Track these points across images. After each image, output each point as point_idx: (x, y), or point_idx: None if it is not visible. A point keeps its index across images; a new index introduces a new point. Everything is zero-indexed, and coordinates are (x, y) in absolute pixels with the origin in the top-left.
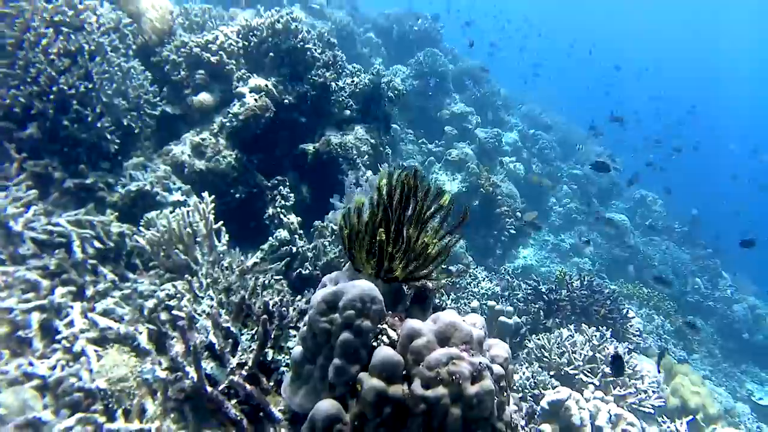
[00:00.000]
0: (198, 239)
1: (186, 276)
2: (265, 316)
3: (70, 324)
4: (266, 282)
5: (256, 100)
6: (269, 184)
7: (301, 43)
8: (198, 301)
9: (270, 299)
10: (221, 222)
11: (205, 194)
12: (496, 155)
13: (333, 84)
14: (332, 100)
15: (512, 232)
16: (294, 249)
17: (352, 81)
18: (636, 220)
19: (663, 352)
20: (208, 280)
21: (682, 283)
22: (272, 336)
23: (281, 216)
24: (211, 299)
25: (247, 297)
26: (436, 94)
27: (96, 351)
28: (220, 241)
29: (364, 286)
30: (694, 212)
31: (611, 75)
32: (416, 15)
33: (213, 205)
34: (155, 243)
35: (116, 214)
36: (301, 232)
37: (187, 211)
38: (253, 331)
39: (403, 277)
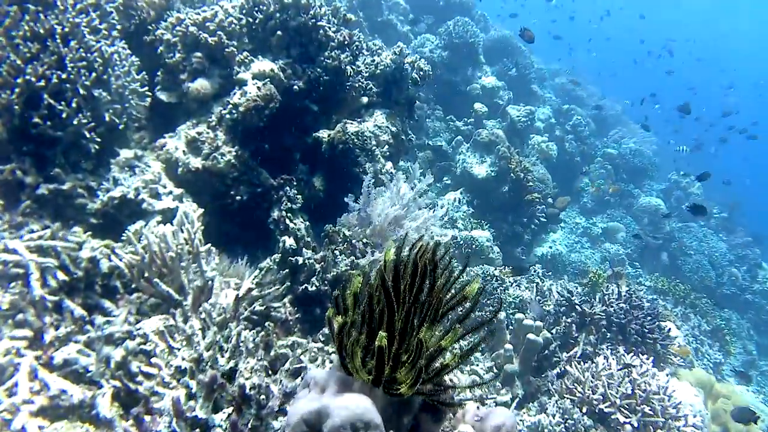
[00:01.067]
0: (183, 263)
1: (165, 315)
2: (239, 401)
3: (14, 387)
4: (261, 310)
5: (259, 88)
6: (275, 183)
7: (313, 21)
8: (173, 352)
9: (247, 379)
10: (216, 242)
11: (192, 209)
12: (527, 135)
13: (349, 68)
14: (348, 86)
15: (543, 219)
16: (300, 260)
17: (372, 61)
18: (671, 202)
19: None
20: (188, 325)
21: (718, 275)
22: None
23: (287, 221)
24: (193, 348)
25: (219, 375)
26: (466, 66)
27: (41, 428)
28: (209, 264)
29: (356, 406)
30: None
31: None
32: None
33: (199, 225)
34: (135, 266)
35: (94, 222)
36: (309, 239)
37: (172, 231)
38: (227, 415)
39: (410, 393)
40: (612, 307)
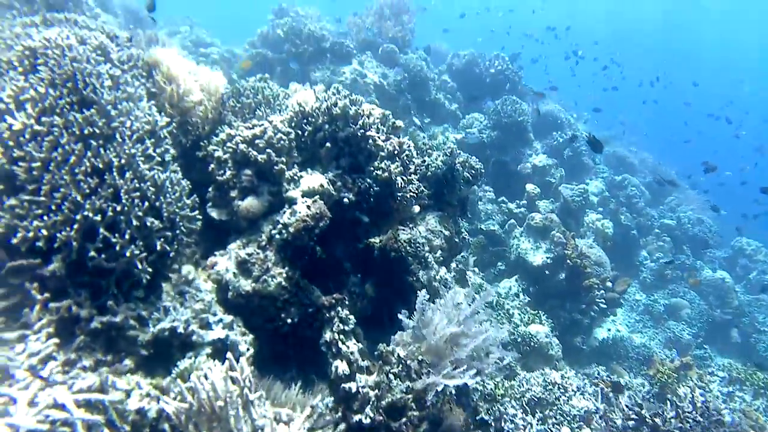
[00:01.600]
0: (233, 411)
1: None
2: None
3: None
4: None
5: (309, 207)
6: (326, 302)
7: (362, 131)
8: None
9: None
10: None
11: (243, 341)
12: (581, 214)
13: (399, 180)
14: (399, 197)
15: (602, 306)
16: (353, 388)
17: (423, 162)
18: (737, 272)
19: None
20: None
21: None
22: None
23: (339, 343)
24: None
25: None
26: (516, 145)
27: None
28: (260, 408)
29: None
30: None
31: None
32: (493, 56)
33: (249, 371)
34: (183, 413)
35: (145, 354)
36: (363, 363)
37: (221, 378)
38: None
39: None
40: (688, 422)
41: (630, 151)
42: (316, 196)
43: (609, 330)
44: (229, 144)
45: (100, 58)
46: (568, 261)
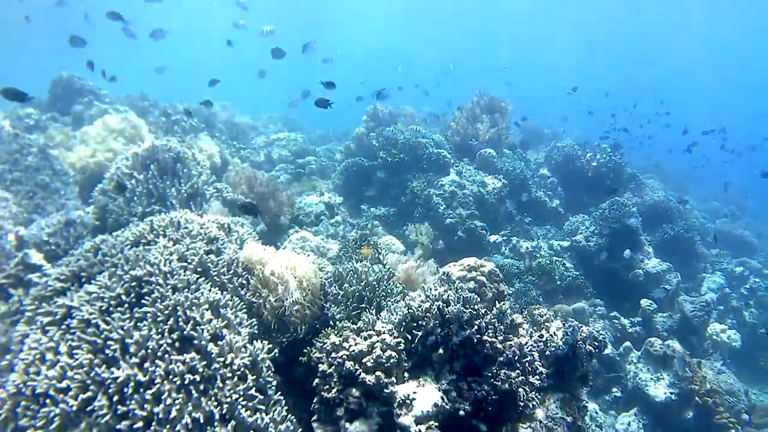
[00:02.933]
0: None
1: None
2: None
3: None
4: None
5: None
6: None
7: (478, 336)
8: None
9: None
10: None
11: None
12: (704, 329)
13: (522, 390)
14: (521, 406)
15: None
16: None
17: (541, 337)
18: None
19: None
20: None
21: None
22: None
23: None
24: None
25: None
26: (625, 249)
27: None
28: None
29: None
30: None
31: None
32: (592, 148)
33: None
34: None
35: None
36: None
37: None
38: None
39: None
40: None
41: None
42: (431, 424)
43: None
44: (334, 355)
45: (201, 280)
46: (696, 398)
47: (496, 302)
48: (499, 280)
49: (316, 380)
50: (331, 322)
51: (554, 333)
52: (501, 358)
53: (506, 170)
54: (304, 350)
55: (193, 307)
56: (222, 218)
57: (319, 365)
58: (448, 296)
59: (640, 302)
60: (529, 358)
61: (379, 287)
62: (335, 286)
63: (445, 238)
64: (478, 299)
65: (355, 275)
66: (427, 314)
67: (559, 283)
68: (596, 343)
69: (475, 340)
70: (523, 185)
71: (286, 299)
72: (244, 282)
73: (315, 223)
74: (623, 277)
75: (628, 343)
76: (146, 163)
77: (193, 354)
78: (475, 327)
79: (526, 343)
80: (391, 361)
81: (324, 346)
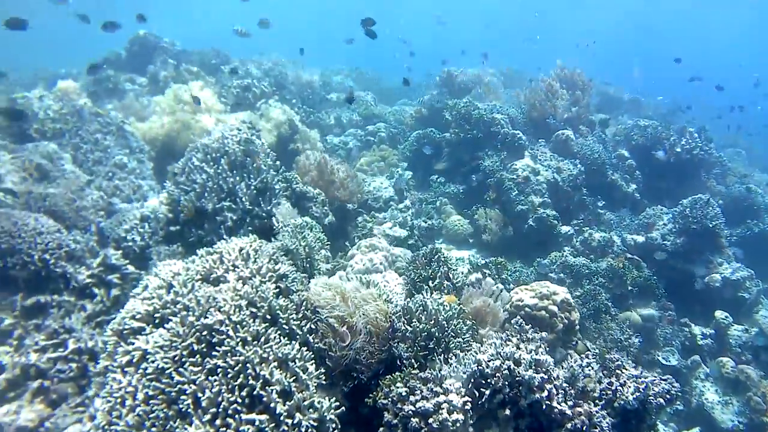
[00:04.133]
0: None
1: None
2: None
3: None
4: None
5: None
6: None
7: (548, 401)
8: None
9: None
10: None
11: None
12: None
13: None
14: None
15: None
16: None
17: (610, 385)
18: None
19: None
20: None
21: None
22: None
23: None
24: None
25: None
26: (703, 252)
27: None
28: None
29: None
30: None
31: None
32: (677, 131)
33: None
34: None
35: None
36: None
37: None
38: None
39: None
40: None
41: None
42: None
43: None
44: (399, 406)
45: (270, 330)
46: None
47: (568, 334)
48: (570, 308)
49: (381, 429)
50: (397, 362)
51: (625, 383)
52: (569, 425)
53: (583, 154)
54: (370, 394)
55: (263, 364)
56: (290, 244)
57: (385, 413)
58: (519, 356)
59: (713, 310)
60: (597, 430)
61: (449, 326)
62: (403, 321)
63: (515, 224)
64: (551, 362)
65: (425, 312)
66: (497, 374)
67: (630, 289)
68: (668, 396)
69: (544, 406)
70: (600, 170)
71: (354, 344)
72: (313, 327)
73: (384, 209)
74: (698, 281)
75: (696, 357)
76: (216, 156)
77: (263, 416)
78: (545, 392)
79: (596, 412)
80: (457, 425)
81: (390, 394)
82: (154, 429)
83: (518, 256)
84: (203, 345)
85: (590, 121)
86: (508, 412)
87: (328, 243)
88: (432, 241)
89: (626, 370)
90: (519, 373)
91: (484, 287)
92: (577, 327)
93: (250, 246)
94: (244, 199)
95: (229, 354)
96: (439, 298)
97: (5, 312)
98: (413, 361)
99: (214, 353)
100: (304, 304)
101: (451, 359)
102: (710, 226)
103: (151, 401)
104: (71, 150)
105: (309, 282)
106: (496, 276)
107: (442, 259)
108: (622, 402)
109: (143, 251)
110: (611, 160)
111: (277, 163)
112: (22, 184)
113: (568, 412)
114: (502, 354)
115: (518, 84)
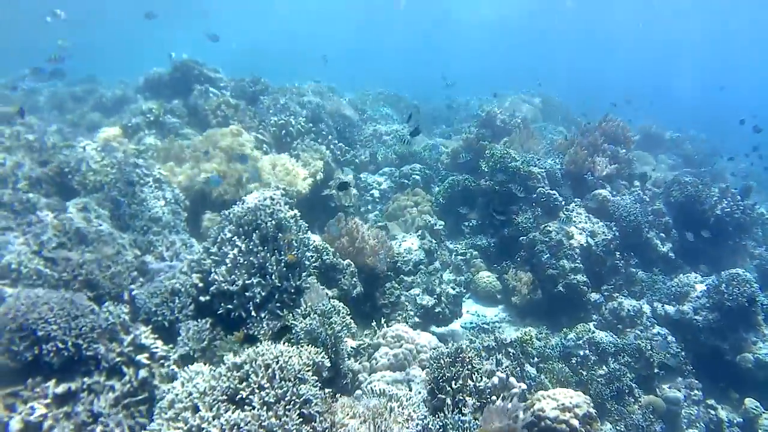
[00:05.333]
0: None
1: None
2: None
3: None
4: None
5: None
6: None
7: None
8: None
9: None
10: None
11: None
12: None
13: None
14: None
15: None
16: None
17: None
18: None
19: None
20: None
21: None
22: None
23: None
24: None
25: None
26: (737, 329)
27: None
28: None
29: None
30: None
31: None
32: (721, 191)
33: None
34: None
35: None
36: None
37: None
38: None
39: None
40: None
41: None
42: None
43: None
44: None
45: None
46: None
47: None
48: (592, 421)
49: None
50: None
51: None
52: None
53: (619, 215)
54: None
55: None
56: (317, 354)
57: None
58: None
59: (743, 391)
60: None
61: None
62: None
63: (545, 286)
64: None
65: None
66: None
67: (657, 371)
68: None
69: None
70: (636, 232)
71: None
72: None
73: (413, 272)
74: (729, 359)
75: None
76: (248, 229)
77: None
78: None
79: None
80: None
81: None
82: None
83: (546, 319)
84: None
85: (629, 175)
86: None
87: (354, 329)
88: (459, 308)
89: None
90: None
91: (506, 404)
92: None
93: (277, 363)
94: (273, 276)
95: None
96: (460, 417)
97: (38, 401)
98: None
99: None
100: None
101: None
102: (746, 305)
103: None
104: (109, 203)
105: (334, 400)
106: (521, 354)
107: (466, 359)
108: None
109: (172, 325)
110: (647, 217)
111: (308, 234)
112: (61, 251)
113: None
114: None
115: (557, 114)
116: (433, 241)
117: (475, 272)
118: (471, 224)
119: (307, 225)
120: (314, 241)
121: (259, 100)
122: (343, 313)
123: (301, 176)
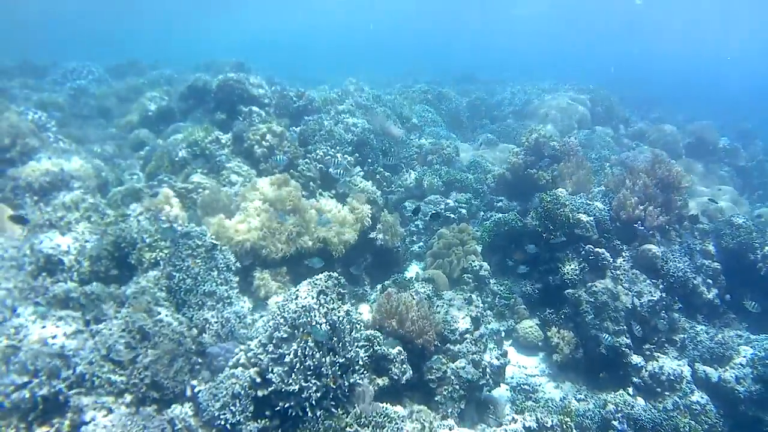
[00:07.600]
0: None
1: None
2: None
3: None
4: None
5: None
6: None
7: None
8: None
9: None
10: None
11: None
12: None
13: None
14: None
15: None
16: None
17: None
18: None
19: None
20: None
21: None
22: None
23: None
24: None
25: None
26: None
27: None
28: None
29: None
30: None
31: None
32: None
33: None
34: None
35: None
36: None
37: None
38: None
39: None
40: None
41: None
42: None
43: None
44: None
45: None
46: None
47: None
48: None
49: None
50: None
51: None
52: None
53: (667, 271)
54: None
55: None
56: None
57: None
58: None
59: None
60: None
61: None
62: None
63: (587, 345)
64: None
65: None
66: None
67: None
68: None
69: None
70: (683, 286)
71: None
72: None
73: (459, 341)
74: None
75: None
76: (303, 331)
77: None
78: None
79: None
80: None
81: None
82: None
83: (585, 377)
84: None
85: (680, 218)
86: None
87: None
88: (502, 376)
89: None
90: None
91: None
92: None
93: None
94: (328, 379)
95: None
96: None
97: None
98: None
99: None
100: None
101: None
102: None
103: None
104: (165, 279)
105: None
106: None
107: None
108: None
109: (234, 427)
110: (695, 263)
111: (360, 328)
112: (127, 353)
113: None
114: None
115: (611, 117)
116: (480, 305)
117: (518, 319)
118: (517, 270)
119: (359, 319)
120: (364, 327)
121: (303, 120)
122: (393, 423)
123: (349, 222)
